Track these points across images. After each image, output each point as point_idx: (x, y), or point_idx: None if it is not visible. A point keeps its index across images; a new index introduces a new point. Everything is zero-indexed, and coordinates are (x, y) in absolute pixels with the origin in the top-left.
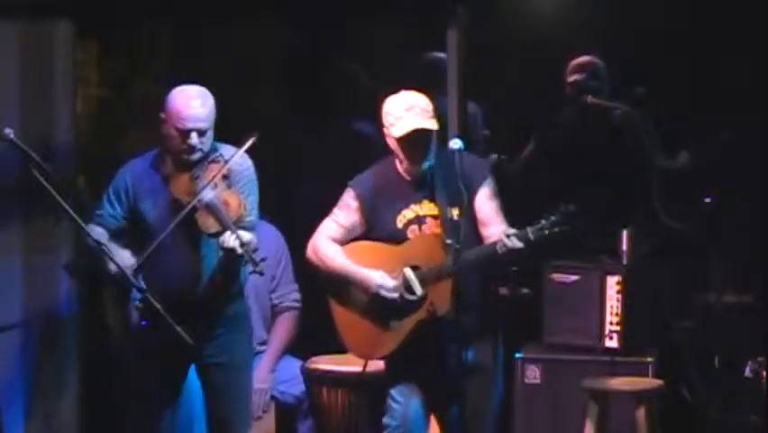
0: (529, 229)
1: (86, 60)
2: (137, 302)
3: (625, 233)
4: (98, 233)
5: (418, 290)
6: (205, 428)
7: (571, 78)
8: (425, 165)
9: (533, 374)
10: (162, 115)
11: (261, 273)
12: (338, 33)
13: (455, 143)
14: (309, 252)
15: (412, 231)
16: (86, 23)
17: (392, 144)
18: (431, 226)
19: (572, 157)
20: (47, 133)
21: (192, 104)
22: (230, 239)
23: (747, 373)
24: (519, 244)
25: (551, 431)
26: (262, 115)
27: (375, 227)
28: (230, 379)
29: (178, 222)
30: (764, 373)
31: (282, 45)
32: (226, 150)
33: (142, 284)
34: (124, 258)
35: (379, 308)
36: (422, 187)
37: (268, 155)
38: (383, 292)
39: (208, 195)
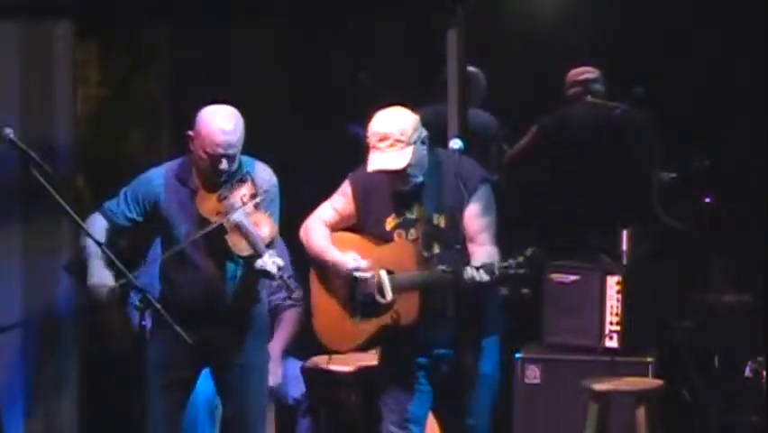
0: (496, 265)
1: (86, 60)
2: (137, 302)
3: (625, 233)
4: (100, 224)
5: (388, 294)
6: (218, 429)
7: (582, 77)
8: (411, 186)
9: (533, 374)
10: (190, 133)
11: (298, 301)
12: (338, 33)
13: (455, 143)
14: (301, 231)
15: (398, 234)
16: (86, 23)
17: None
18: (418, 232)
19: (572, 156)
20: (47, 133)
21: (225, 129)
22: (266, 263)
23: (747, 373)
24: (486, 278)
25: (551, 431)
26: (262, 115)
27: (366, 222)
28: (249, 380)
29: (201, 236)
30: (764, 373)
31: (282, 45)
32: (256, 167)
33: (141, 284)
34: (105, 276)
35: (353, 302)
36: (415, 192)
37: (268, 155)
38: (359, 274)
39: (238, 217)
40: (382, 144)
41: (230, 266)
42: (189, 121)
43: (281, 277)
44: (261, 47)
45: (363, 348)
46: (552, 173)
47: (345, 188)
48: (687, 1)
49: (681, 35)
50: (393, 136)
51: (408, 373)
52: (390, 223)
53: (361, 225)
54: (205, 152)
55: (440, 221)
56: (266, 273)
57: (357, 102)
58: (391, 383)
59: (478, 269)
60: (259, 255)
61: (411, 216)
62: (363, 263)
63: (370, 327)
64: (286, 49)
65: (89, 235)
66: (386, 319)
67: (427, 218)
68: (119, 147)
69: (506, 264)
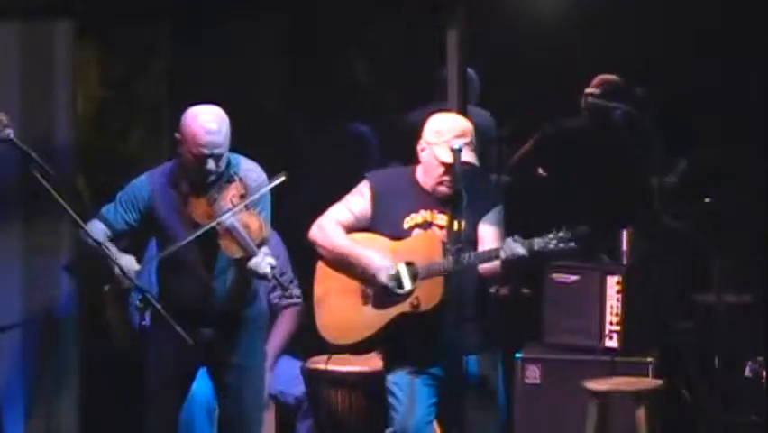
0: (536, 240)
1: (86, 60)
2: (137, 302)
3: (625, 233)
4: (99, 230)
5: (407, 284)
6: (217, 428)
7: (588, 90)
8: (453, 190)
9: (533, 374)
10: (177, 135)
11: (296, 300)
12: (338, 33)
13: (455, 144)
14: (314, 230)
15: (417, 233)
16: (86, 23)
17: (426, 159)
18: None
19: (573, 156)
20: (47, 133)
21: (209, 129)
22: (260, 265)
23: (747, 373)
24: (522, 251)
25: (551, 431)
26: (262, 115)
27: (381, 223)
28: (247, 380)
29: (192, 240)
30: (764, 373)
31: (282, 45)
32: (242, 165)
33: (142, 284)
34: (129, 262)
35: (363, 293)
36: (438, 198)
37: (267, 155)
38: (381, 275)
39: (228, 219)
40: (457, 141)
41: (220, 261)
42: None
43: (274, 276)
44: (261, 47)
45: (376, 339)
46: (553, 176)
47: (362, 188)
48: (688, 1)
49: (680, 35)
50: (469, 135)
51: (414, 379)
52: (409, 222)
53: (375, 225)
54: (191, 153)
55: (461, 225)
56: (259, 274)
57: (357, 102)
58: (398, 389)
59: (515, 241)
60: (251, 257)
61: (431, 219)
62: (389, 266)
63: (384, 316)
64: (286, 49)
65: (88, 235)
66: (404, 307)
67: (454, 223)
68: (119, 147)
69: (546, 239)
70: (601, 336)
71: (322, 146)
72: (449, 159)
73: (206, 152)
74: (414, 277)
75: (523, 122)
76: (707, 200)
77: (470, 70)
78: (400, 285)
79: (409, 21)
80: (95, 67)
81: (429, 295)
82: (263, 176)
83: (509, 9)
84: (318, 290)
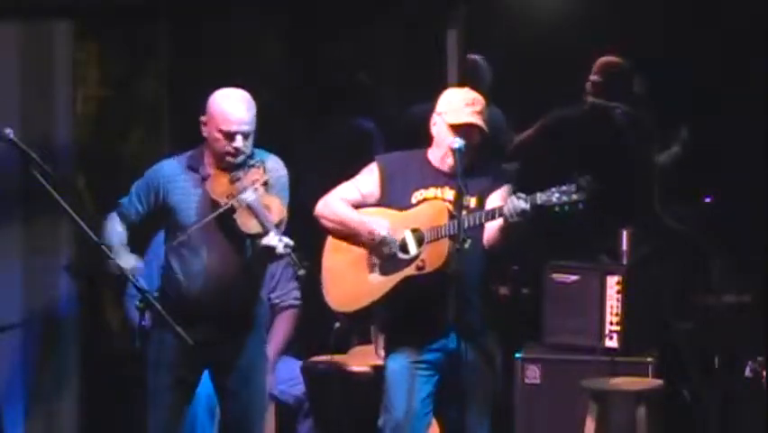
0: (538, 194)
1: (86, 60)
2: (137, 302)
3: (625, 233)
4: (115, 222)
5: (413, 249)
6: (217, 428)
7: (592, 78)
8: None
9: (533, 374)
10: (203, 118)
11: (304, 273)
12: (338, 33)
13: (455, 143)
14: (320, 205)
15: (423, 204)
16: (86, 23)
17: (437, 131)
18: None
19: (573, 156)
20: (47, 133)
21: (238, 107)
22: (274, 239)
23: (747, 373)
24: (524, 205)
25: (551, 431)
26: (262, 115)
27: (389, 198)
28: (251, 382)
29: (212, 220)
30: (764, 373)
31: (282, 45)
32: (269, 158)
33: (143, 283)
34: (129, 260)
35: (370, 262)
36: (448, 175)
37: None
38: (375, 233)
39: (250, 197)
40: (470, 108)
41: (242, 259)
42: (190, 120)
43: (289, 254)
44: (262, 47)
45: (380, 303)
46: (553, 172)
47: (372, 168)
48: (687, 1)
49: (681, 35)
50: (480, 104)
51: (413, 367)
52: (417, 197)
53: (383, 201)
54: (220, 131)
55: (470, 201)
56: (271, 250)
57: (356, 102)
58: (395, 378)
59: (518, 197)
60: (266, 234)
61: (441, 194)
62: (383, 227)
63: (390, 281)
64: (286, 49)
65: (87, 233)
66: (410, 270)
67: (461, 195)
68: (119, 147)
69: (549, 192)
70: (601, 336)
71: (322, 146)
72: (459, 120)
73: (235, 128)
74: (419, 242)
75: (522, 120)
76: (707, 200)
77: (480, 59)
78: (406, 251)
79: (409, 21)
80: (95, 67)
81: (434, 257)
82: (285, 169)
83: (509, 9)
84: (326, 262)
